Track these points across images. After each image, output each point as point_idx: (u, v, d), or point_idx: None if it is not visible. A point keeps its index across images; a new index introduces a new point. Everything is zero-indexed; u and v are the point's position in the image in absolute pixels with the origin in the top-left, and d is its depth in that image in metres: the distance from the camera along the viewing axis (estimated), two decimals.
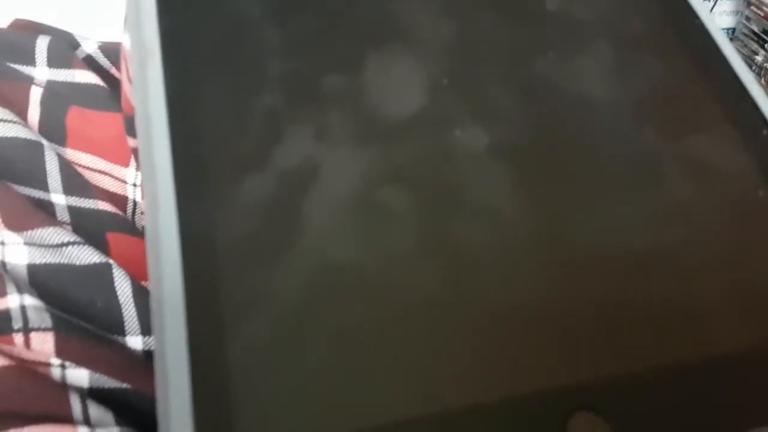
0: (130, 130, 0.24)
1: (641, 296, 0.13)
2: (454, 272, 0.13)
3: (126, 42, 0.19)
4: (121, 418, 0.19)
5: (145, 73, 0.14)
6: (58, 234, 0.22)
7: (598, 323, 0.13)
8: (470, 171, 0.14)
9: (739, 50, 1.40)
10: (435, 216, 0.14)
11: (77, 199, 0.25)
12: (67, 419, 0.18)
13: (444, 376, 0.12)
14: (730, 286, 0.13)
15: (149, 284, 0.13)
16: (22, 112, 0.26)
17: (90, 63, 0.30)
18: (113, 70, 0.31)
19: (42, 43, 0.29)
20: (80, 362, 0.20)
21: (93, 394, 0.20)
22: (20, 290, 0.20)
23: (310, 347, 0.12)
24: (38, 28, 0.30)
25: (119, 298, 0.22)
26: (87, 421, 0.18)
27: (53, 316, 0.20)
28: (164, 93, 0.14)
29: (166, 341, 0.12)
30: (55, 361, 0.20)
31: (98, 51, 0.30)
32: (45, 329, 0.20)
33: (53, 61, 0.28)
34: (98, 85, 0.28)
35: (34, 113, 0.27)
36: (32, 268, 0.21)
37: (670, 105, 0.16)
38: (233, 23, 0.15)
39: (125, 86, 0.22)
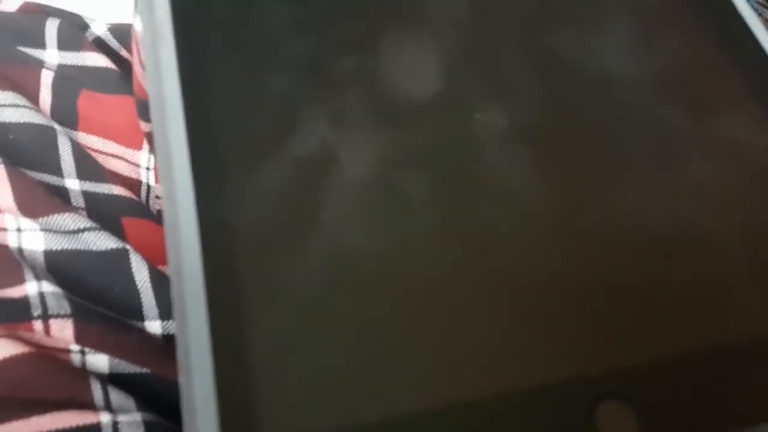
0: (143, 113, 0.24)
1: (666, 280, 0.13)
2: (475, 257, 0.13)
3: (137, 25, 0.18)
4: (141, 404, 0.19)
5: (158, 57, 0.14)
6: (73, 220, 0.22)
7: (622, 308, 0.12)
8: (489, 153, 0.14)
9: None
10: (454, 200, 0.13)
11: (91, 184, 0.25)
12: (88, 405, 0.18)
13: (467, 363, 0.12)
14: (759, 268, 0.13)
15: (168, 271, 0.12)
16: (33, 97, 0.26)
17: (100, 45, 0.30)
18: (123, 52, 0.30)
19: (51, 26, 0.28)
20: (99, 348, 0.20)
21: (113, 379, 0.20)
22: (38, 277, 0.20)
23: (332, 333, 0.12)
24: (47, 11, 0.29)
25: (137, 283, 0.22)
26: (108, 406, 0.18)
27: (72, 303, 0.20)
28: (178, 77, 0.13)
29: (188, 329, 0.12)
30: (75, 347, 0.20)
31: (108, 33, 0.30)
32: (64, 316, 0.20)
33: (63, 44, 0.28)
34: (109, 68, 0.28)
35: (45, 97, 0.27)
36: (49, 255, 0.21)
37: (692, 80, 0.15)
38: (247, 4, 0.15)
39: (137, 70, 0.21)
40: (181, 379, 0.12)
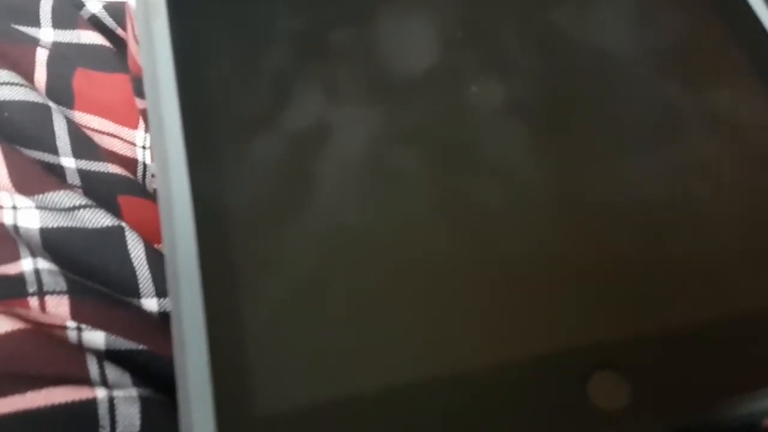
0: (138, 91, 0.24)
1: (660, 253, 0.13)
2: (470, 231, 0.13)
3: (131, 1, 0.18)
4: (138, 379, 0.19)
5: (152, 32, 0.14)
6: (69, 197, 0.22)
7: (616, 281, 0.12)
8: (486, 129, 0.14)
9: None
10: (450, 175, 0.13)
11: (87, 162, 0.25)
12: (84, 380, 0.18)
13: (461, 336, 0.12)
14: (752, 242, 0.13)
15: (163, 247, 0.13)
16: (28, 75, 0.26)
17: (95, 23, 0.29)
18: (119, 31, 0.30)
19: (46, 4, 0.28)
20: (96, 325, 0.20)
21: (109, 355, 0.20)
22: (34, 254, 0.20)
23: (325, 307, 0.12)
24: None
25: (133, 260, 0.22)
26: (104, 382, 0.18)
27: (67, 280, 0.20)
28: (171, 52, 0.13)
29: (182, 304, 0.12)
30: (71, 324, 0.20)
31: (103, 10, 0.30)
32: (60, 292, 0.20)
33: (58, 22, 0.28)
34: (104, 46, 0.28)
35: (40, 76, 0.26)
36: (45, 232, 0.21)
37: (690, 56, 0.15)
38: None
39: (131, 46, 0.21)
40: (175, 351, 0.12)
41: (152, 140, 0.13)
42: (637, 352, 0.12)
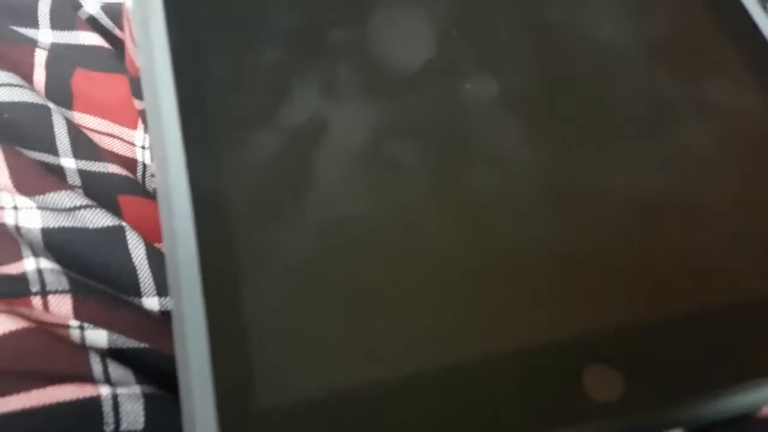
0: (136, 91, 0.24)
1: (653, 244, 0.13)
2: (466, 223, 0.13)
3: (128, 1, 0.18)
4: (141, 377, 0.19)
5: (149, 31, 0.14)
6: (70, 197, 0.22)
7: (610, 272, 0.13)
8: (481, 122, 0.14)
9: None
10: (445, 167, 0.14)
11: (87, 162, 0.25)
12: (88, 378, 0.18)
13: (457, 327, 0.12)
14: (744, 232, 0.13)
15: (163, 244, 0.13)
16: (27, 76, 0.26)
17: (93, 24, 0.30)
18: (117, 31, 0.30)
19: (44, 5, 0.28)
20: (98, 323, 0.20)
21: (112, 354, 0.20)
22: (36, 254, 0.20)
23: (325, 300, 0.12)
24: None
25: (134, 260, 0.22)
26: (108, 379, 0.19)
27: (70, 279, 0.20)
28: (169, 50, 0.13)
29: (183, 300, 0.12)
30: (74, 322, 0.20)
31: (101, 11, 0.30)
32: (62, 292, 0.20)
33: (56, 23, 0.28)
34: (103, 47, 0.28)
35: (39, 76, 0.27)
36: (46, 232, 0.22)
37: (682, 48, 0.15)
38: None
39: (129, 47, 0.21)
40: (177, 347, 0.12)
41: (151, 139, 0.13)
42: (632, 343, 0.12)
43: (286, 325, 0.12)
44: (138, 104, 0.25)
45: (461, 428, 0.11)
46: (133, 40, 0.20)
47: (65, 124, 0.25)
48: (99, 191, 0.24)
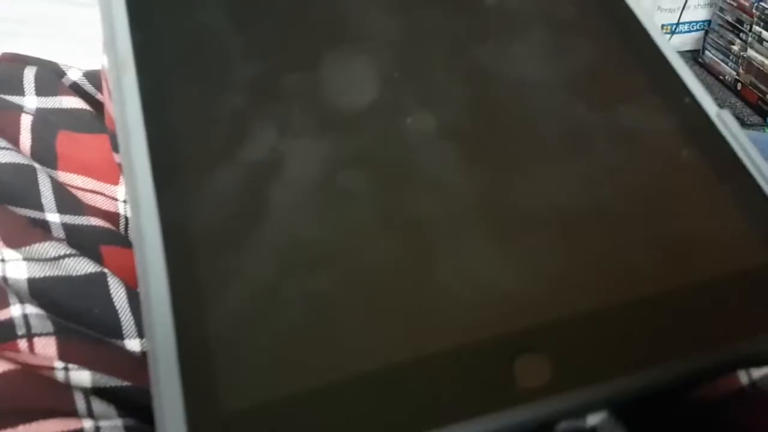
0: (115, 145, 0.26)
1: (574, 249, 0.14)
2: (409, 241, 0.14)
3: (104, 62, 0.20)
4: (122, 411, 0.20)
5: (122, 86, 0.15)
6: (54, 247, 0.24)
7: (536, 275, 0.14)
8: (421, 152, 0.16)
9: (715, 41, 1.43)
10: (391, 193, 0.15)
11: (71, 216, 0.27)
12: (71, 413, 0.19)
13: (401, 330, 0.13)
14: (654, 236, 0.15)
15: (137, 274, 0.14)
16: (14, 139, 0.28)
17: (76, 90, 0.31)
18: (98, 96, 0.32)
19: (29, 74, 0.30)
20: (82, 364, 0.21)
21: (96, 392, 0.21)
22: (22, 301, 0.22)
23: (284, 314, 0.13)
24: (25, 60, 0.31)
25: (115, 304, 0.24)
26: (91, 414, 0.20)
27: (54, 323, 0.21)
28: (140, 99, 0.15)
29: (154, 321, 0.13)
30: (59, 364, 0.21)
31: (83, 78, 0.32)
32: (47, 334, 0.21)
33: (41, 90, 0.30)
34: (85, 110, 0.30)
35: (25, 140, 0.28)
36: (32, 282, 0.23)
37: (600, 82, 0.17)
38: (200, 33, 0.17)
39: (107, 104, 0.23)
40: (150, 362, 0.13)
41: (125, 177, 0.15)
42: (557, 335, 0.13)
43: (249, 335, 0.13)
44: (117, 158, 0.27)
45: (410, 418, 0.12)
46: (110, 96, 0.22)
47: (50, 183, 0.27)
48: (82, 242, 0.25)
